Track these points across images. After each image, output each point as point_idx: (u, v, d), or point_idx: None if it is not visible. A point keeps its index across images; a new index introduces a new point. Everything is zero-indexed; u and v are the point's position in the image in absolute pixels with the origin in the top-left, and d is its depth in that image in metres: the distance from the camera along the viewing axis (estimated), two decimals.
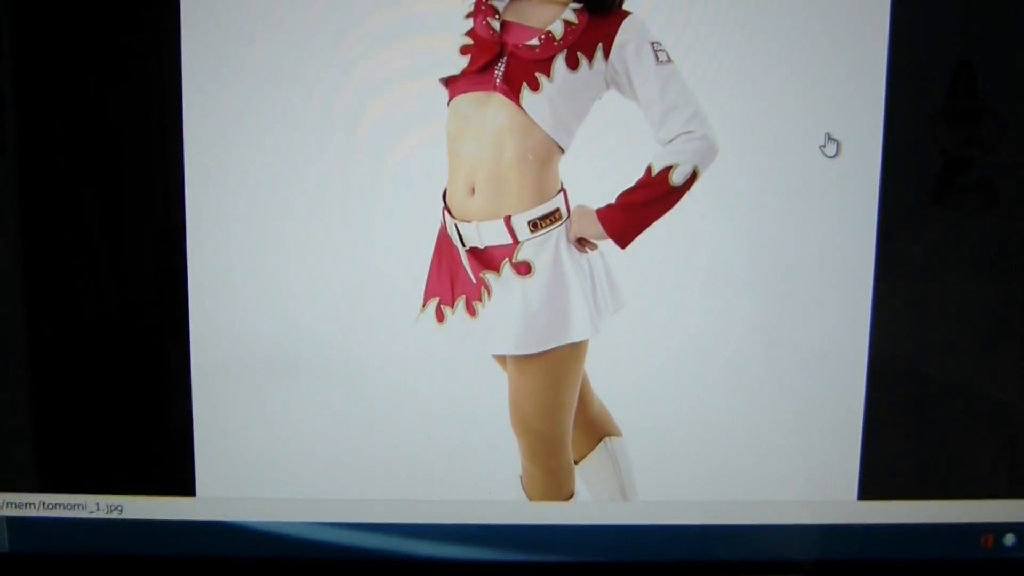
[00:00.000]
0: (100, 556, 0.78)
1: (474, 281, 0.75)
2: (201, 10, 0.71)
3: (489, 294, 0.75)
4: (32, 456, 0.77)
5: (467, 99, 0.73)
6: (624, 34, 0.72)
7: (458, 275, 0.75)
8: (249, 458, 0.76)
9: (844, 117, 0.73)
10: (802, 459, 0.77)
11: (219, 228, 0.73)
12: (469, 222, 0.74)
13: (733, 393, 0.76)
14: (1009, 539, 0.78)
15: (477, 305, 0.75)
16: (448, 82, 0.73)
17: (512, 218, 0.73)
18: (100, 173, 0.73)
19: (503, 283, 0.74)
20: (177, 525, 0.77)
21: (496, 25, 0.72)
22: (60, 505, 0.77)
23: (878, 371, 0.75)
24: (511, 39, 0.73)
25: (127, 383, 0.76)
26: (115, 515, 0.77)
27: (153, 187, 0.74)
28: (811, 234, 0.74)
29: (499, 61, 0.72)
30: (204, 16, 0.71)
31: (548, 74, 0.72)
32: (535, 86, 0.72)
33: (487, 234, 0.74)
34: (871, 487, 0.77)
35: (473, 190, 0.74)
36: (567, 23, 0.72)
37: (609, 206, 0.73)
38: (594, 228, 0.73)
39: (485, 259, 0.74)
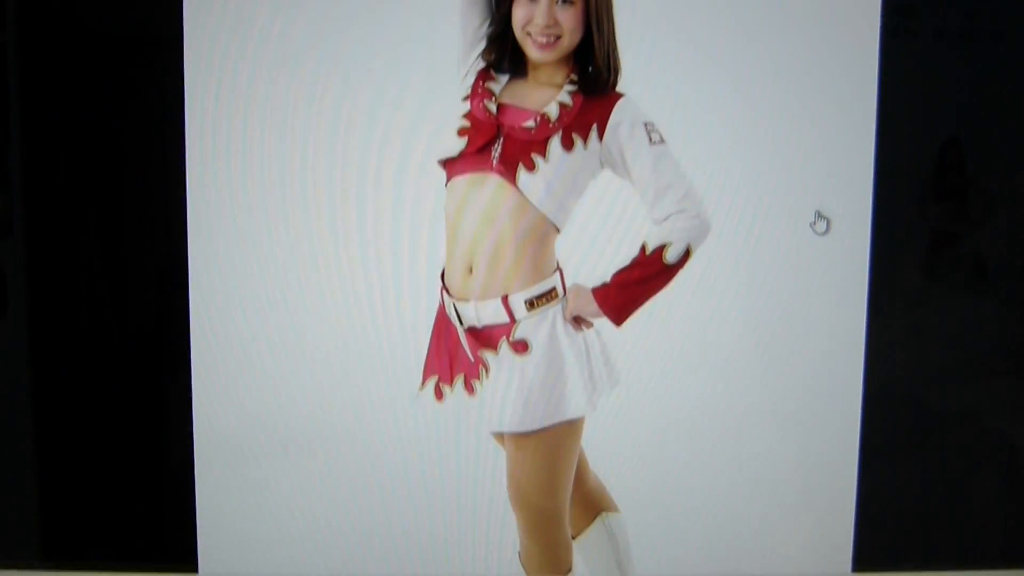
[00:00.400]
0: None
1: (472, 359, 0.76)
2: (204, 105, 0.73)
3: (487, 372, 0.76)
4: (36, 530, 0.77)
5: (465, 180, 0.74)
6: (618, 115, 0.74)
7: (456, 353, 0.76)
8: (251, 534, 0.77)
9: (833, 194, 0.74)
10: (797, 532, 0.77)
11: (222, 308, 0.74)
12: (467, 301, 0.75)
13: (728, 468, 0.77)
14: None
15: (475, 383, 0.76)
16: (446, 164, 0.75)
17: (509, 297, 0.75)
18: (107, 253, 0.75)
19: (501, 361, 0.75)
20: None
21: (493, 108, 0.74)
22: None
23: (871, 442, 0.76)
24: (507, 121, 0.74)
25: (131, 459, 0.77)
26: None
27: (159, 271, 0.75)
28: (803, 309, 0.75)
29: (496, 142, 0.74)
30: (206, 107, 0.73)
31: (544, 155, 0.74)
32: (531, 167, 0.74)
33: (485, 313, 0.75)
34: (865, 559, 0.77)
35: (471, 269, 0.75)
36: (562, 105, 0.74)
37: (604, 285, 0.74)
38: (590, 306, 0.75)
39: (483, 338, 0.76)
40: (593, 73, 0.75)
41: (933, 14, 0.73)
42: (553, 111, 0.74)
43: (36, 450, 0.76)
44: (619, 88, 0.74)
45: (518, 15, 0.74)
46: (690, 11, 0.74)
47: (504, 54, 0.75)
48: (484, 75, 0.76)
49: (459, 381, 0.76)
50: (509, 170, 0.74)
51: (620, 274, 0.74)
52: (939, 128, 0.74)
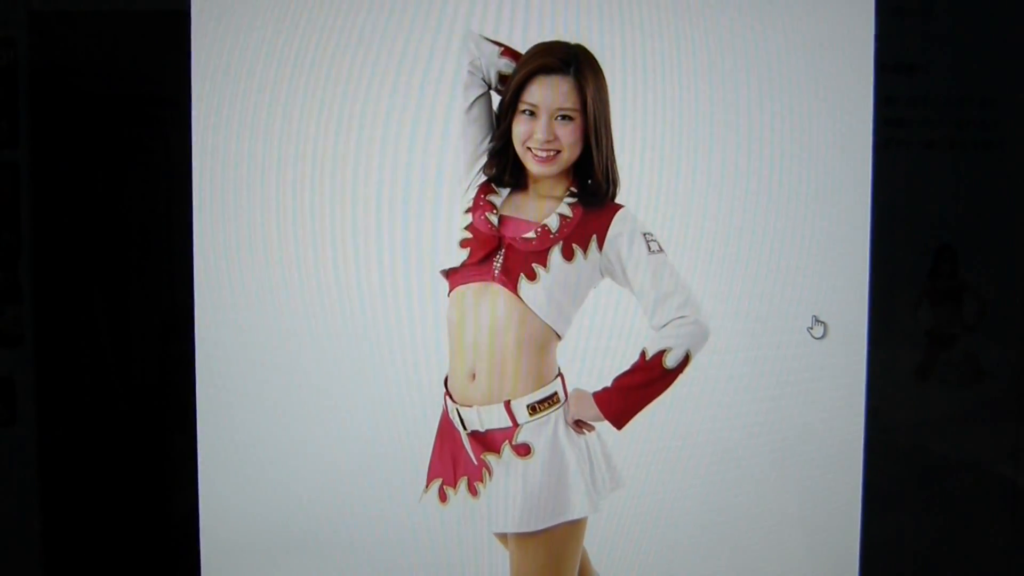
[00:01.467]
0: None
1: (475, 462, 0.77)
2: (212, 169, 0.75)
3: (490, 475, 0.77)
4: None
5: (467, 289, 0.76)
6: (617, 226, 0.76)
7: (460, 457, 0.78)
8: None
9: (830, 300, 0.75)
10: None
11: (228, 410, 0.76)
12: (470, 407, 0.77)
13: (730, 568, 0.78)
14: None
15: (479, 485, 0.77)
16: (448, 274, 0.77)
17: (512, 402, 0.76)
18: (108, 358, 0.76)
19: (504, 464, 0.77)
20: None
21: (495, 220, 0.76)
22: None
23: (871, 550, 0.77)
24: (508, 232, 0.76)
25: (139, 564, 0.77)
26: None
27: (165, 370, 0.76)
28: (801, 411, 0.76)
29: (497, 253, 0.76)
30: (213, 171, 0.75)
31: (545, 265, 0.76)
32: (532, 276, 0.75)
33: (487, 418, 0.77)
34: None
35: (474, 376, 0.77)
36: (562, 217, 0.76)
37: (605, 389, 0.75)
38: (591, 411, 0.76)
39: (486, 441, 0.77)
40: (592, 186, 0.77)
41: (924, 125, 0.75)
42: (554, 223, 0.76)
43: (45, 560, 0.77)
44: (617, 199, 0.76)
45: (518, 131, 0.76)
46: (686, 123, 0.76)
47: (505, 168, 0.78)
48: (485, 188, 0.78)
49: (463, 483, 0.78)
50: (511, 280, 0.76)
51: (621, 379, 0.75)
52: (932, 233, 0.76)
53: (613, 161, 0.77)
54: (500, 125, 0.77)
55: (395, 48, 0.77)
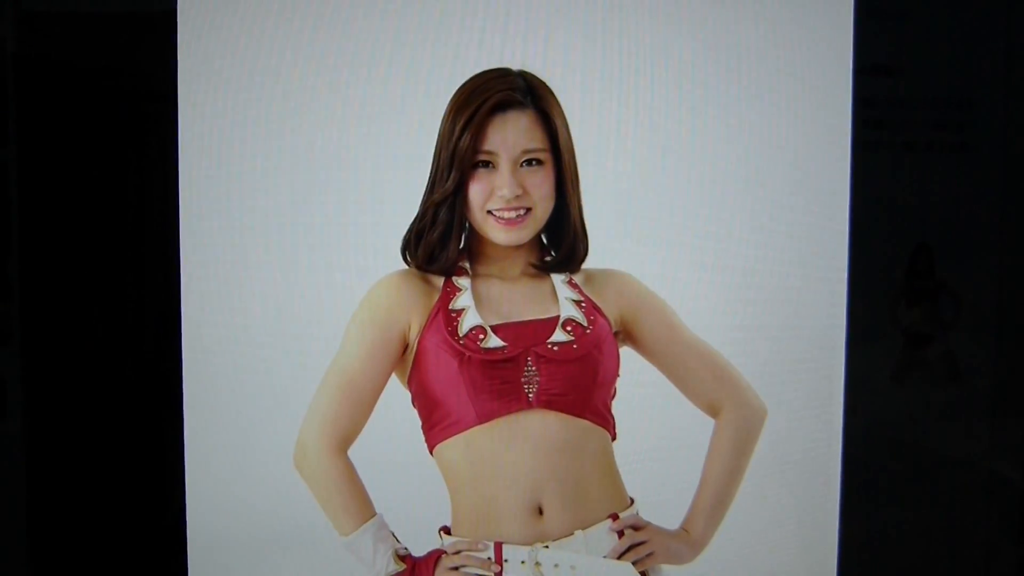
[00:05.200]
0: None
1: None
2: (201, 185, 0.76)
3: None
4: None
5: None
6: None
7: None
8: None
9: (808, 298, 0.77)
10: None
11: (215, 406, 0.77)
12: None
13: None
14: None
15: None
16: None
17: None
18: (96, 357, 0.77)
19: None
20: None
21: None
22: None
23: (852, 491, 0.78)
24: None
25: (127, 563, 0.78)
26: None
27: (152, 367, 0.77)
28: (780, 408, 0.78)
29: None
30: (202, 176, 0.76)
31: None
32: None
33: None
34: None
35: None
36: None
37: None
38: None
39: None
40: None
41: (902, 127, 0.76)
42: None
43: (31, 558, 0.78)
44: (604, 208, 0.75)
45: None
46: (665, 125, 0.76)
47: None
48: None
49: None
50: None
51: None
52: (909, 233, 0.77)
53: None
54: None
55: (384, 43, 0.76)
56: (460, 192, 0.69)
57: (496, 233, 0.70)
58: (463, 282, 0.72)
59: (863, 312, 0.76)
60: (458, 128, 0.68)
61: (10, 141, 0.74)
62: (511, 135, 0.68)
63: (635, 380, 0.75)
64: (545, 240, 0.74)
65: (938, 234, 0.77)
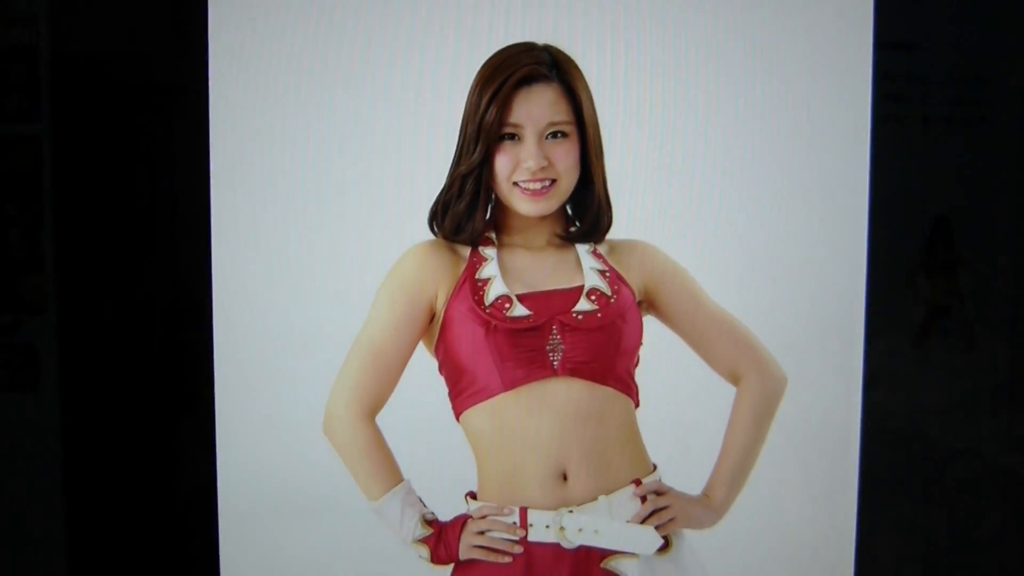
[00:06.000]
0: None
1: None
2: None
3: None
4: None
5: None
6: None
7: None
8: None
9: (827, 278, 0.78)
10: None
11: (246, 375, 0.78)
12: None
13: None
14: None
15: None
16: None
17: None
18: (129, 327, 0.78)
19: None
20: None
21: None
22: None
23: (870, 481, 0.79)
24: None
25: (159, 527, 0.80)
26: None
27: (183, 337, 0.78)
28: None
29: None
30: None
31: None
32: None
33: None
34: None
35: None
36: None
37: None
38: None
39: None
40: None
41: (921, 102, 0.77)
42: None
43: (67, 518, 0.79)
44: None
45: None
46: (685, 98, 0.77)
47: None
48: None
49: None
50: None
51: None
52: (928, 208, 0.78)
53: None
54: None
55: (410, 23, 0.76)
56: (486, 164, 0.70)
57: (522, 204, 0.71)
58: (489, 252, 0.73)
59: (883, 285, 0.77)
60: (484, 101, 0.69)
61: (43, 115, 0.76)
62: (536, 108, 0.69)
63: (658, 349, 0.76)
64: (570, 211, 0.75)
65: (958, 207, 0.77)
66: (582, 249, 0.75)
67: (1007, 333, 0.78)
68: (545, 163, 0.70)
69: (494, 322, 0.71)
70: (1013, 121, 0.77)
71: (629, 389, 0.75)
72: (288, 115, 0.76)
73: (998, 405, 0.80)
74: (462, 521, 0.75)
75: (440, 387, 0.77)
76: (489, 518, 0.74)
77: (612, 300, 0.73)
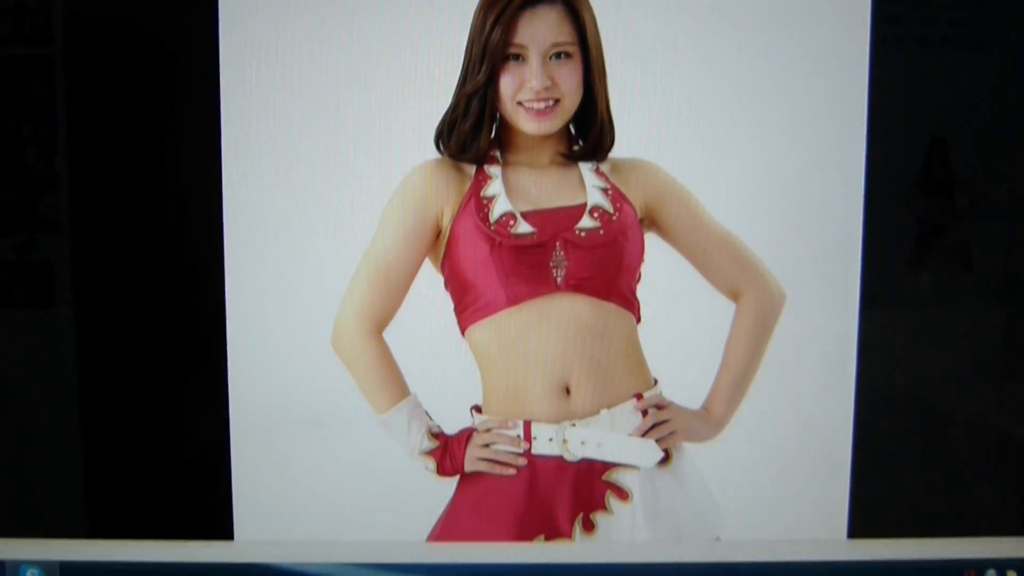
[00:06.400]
0: None
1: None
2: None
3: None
4: (83, 506, 0.82)
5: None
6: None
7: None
8: (284, 504, 0.82)
9: (825, 191, 0.79)
10: (795, 501, 0.83)
11: (256, 291, 0.79)
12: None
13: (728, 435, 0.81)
14: (990, 574, 0.83)
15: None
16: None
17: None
18: (142, 244, 0.79)
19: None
20: (216, 567, 0.82)
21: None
22: (108, 551, 0.82)
23: (865, 418, 0.81)
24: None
25: (172, 438, 0.81)
26: (158, 559, 0.82)
27: (195, 255, 0.79)
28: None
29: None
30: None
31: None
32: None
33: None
34: (859, 527, 0.83)
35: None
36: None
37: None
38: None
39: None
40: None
41: (920, 23, 0.78)
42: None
43: (83, 432, 0.81)
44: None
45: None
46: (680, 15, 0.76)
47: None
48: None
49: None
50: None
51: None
52: (926, 128, 0.79)
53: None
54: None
55: None
56: (491, 84, 0.71)
57: (526, 123, 0.72)
58: (494, 170, 0.74)
59: (881, 206, 0.78)
60: (489, 22, 0.70)
61: (56, 37, 0.77)
62: (541, 29, 0.70)
63: (660, 266, 0.78)
64: (573, 130, 0.76)
65: (955, 128, 0.78)
66: (585, 167, 0.76)
67: (1002, 250, 0.79)
68: (549, 83, 0.71)
69: (498, 239, 0.73)
70: (1010, 42, 0.77)
71: (631, 305, 0.76)
72: (304, 62, 0.76)
73: (992, 317, 0.81)
74: (467, 434, 0.77)
75: (446, 303, 0.78)
76: (494, 431, 0.76)
77: (614, 217, 0.74)
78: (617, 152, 0.77)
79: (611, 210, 0.75)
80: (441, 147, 0.75)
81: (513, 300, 0.75)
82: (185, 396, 0.81)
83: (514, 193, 0.75)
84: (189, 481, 0.82)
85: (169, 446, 0.82)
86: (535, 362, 0.76)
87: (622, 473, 0.78)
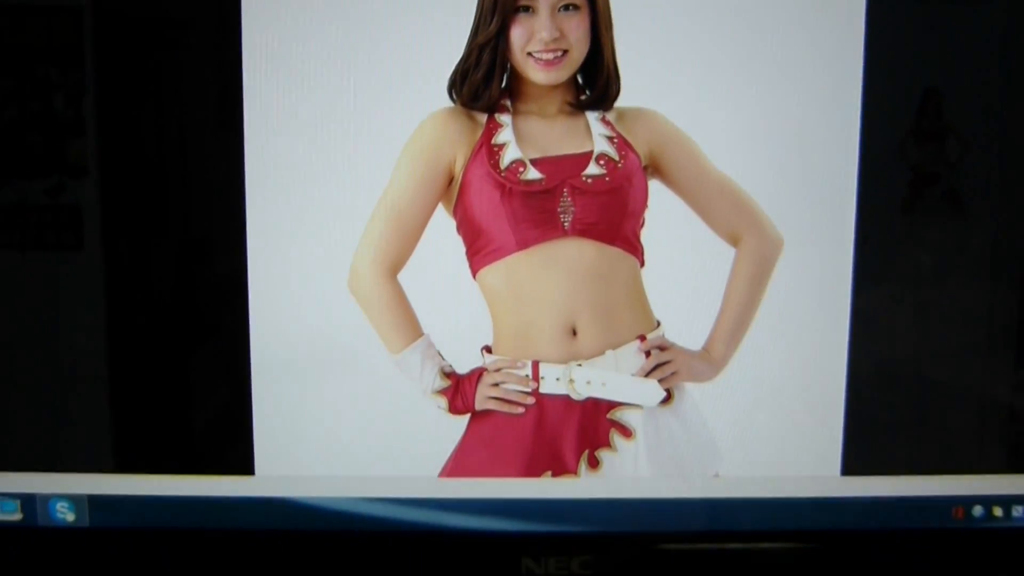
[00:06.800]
0: (170, 530, 0.86)
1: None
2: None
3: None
4: (111, 442, 0.85)
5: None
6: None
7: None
8: (302, 440, 0.85)
9: (821, 142, 0.82)
10: (791, 439, 0.86)
11: (277, 234, 0.82)
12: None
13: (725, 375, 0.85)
14: (977, 510, 0.87)
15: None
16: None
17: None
18: (167, 188, 0.82)
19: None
20: (238, 501, 0.86)
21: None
22: (134, 484, 0.86)
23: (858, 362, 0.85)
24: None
25: (195, 376, 0.85)
26: (182, 493, 0.86)
27: (217, 205, 0.82)
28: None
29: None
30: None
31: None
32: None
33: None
34: (853, 464, 0.86)
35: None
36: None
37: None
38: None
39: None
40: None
41: None
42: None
43: (110, 370, 0.84)
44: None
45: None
46: None
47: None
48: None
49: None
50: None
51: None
52: (920, 79, 0.82)
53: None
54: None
55: None
56: (502, 35, 0.74)
57: (535, 73, 0.75)
58: (504, 119, 0.77)
59: (875, 151, 0.81)
60: None
61: None
62: None
63: (663, 212, 0.81)
64: (580, 80, 0.79)
65: (947, 78, 0.81)
66: (592, 116, 0.79)
67: (991, 198, 0.82)
68: (558, 34, 0.74)
69: (509, 185, 0.76)
70: None
71: (635, 249, 0.79)
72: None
73: (981, 262, 0.84)
74: (478, 374, 0.80)
75: (458, 247, 0.81)
76: (503, 371, 0.80)
77: (619, 165, 0.77)
78: (622, 102, 0.80)
79: (616, 157, 0.78)
80: (454, 96, 0.78)
81: (522, 244, 0.78)
82: (208, 336, 0.84)
83: (524, 141, 0.78)
84: (212, 418, 0.86)
85: (193, 384, 0.85)
86: (543, 304, 0.79)
87: (626, 412, 0.82)
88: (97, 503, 0.86)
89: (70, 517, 0.86)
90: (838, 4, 0.79)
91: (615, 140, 0.78)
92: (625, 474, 0.83)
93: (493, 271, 0.79)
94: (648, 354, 0.81)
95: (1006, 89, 0.81)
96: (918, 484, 0.86)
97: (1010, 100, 0.82)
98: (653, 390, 0.81)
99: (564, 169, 0.77)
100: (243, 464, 0.85)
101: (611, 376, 0.80)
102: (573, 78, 0.79)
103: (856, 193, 0.82)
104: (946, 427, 0.87)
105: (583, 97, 0.79)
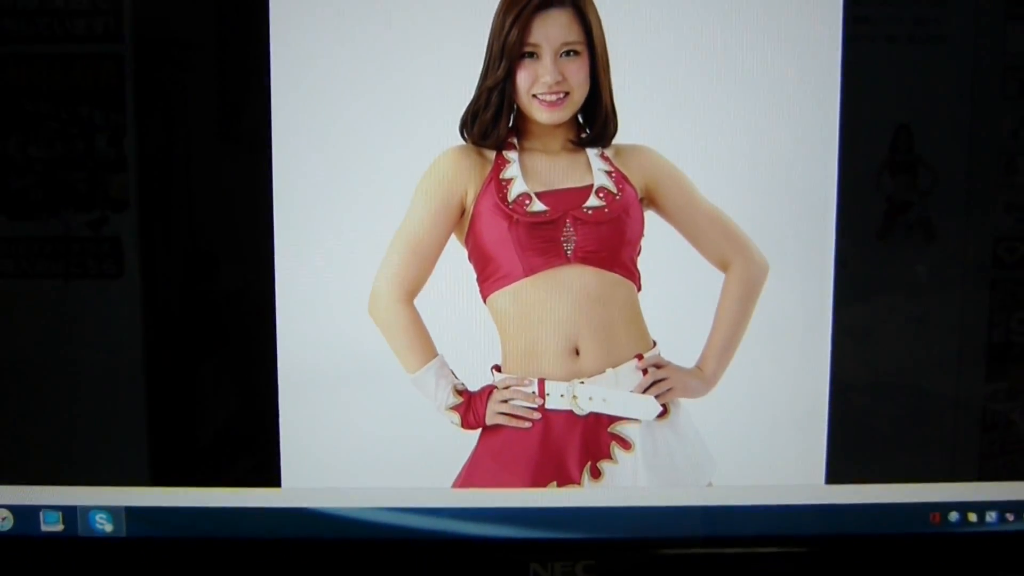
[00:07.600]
0: (202, 539, 0.91)
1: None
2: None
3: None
4: (147, 457, 0.90)
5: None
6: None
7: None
8: (326, 454, 0.89)
9: (800, 173, 0.88)
10: (779, 450, 0.91)
11: (306, 246, 0.86)
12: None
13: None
14: (953, 516, 0.91)
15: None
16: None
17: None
18: (200, 219, 0.88)
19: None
20: (265, 512, 0.90)
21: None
22: (169, 497, 0.90)
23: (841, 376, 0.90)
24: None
25: (226, 394, 0.89)
26: (213, 504, 0.90)
27: (244, 231, 0.87)
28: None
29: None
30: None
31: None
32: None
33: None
34: (836, 473, 0.90)
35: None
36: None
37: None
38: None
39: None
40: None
41: (887, 22, 0.87)
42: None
43: (147, 389, 0.88)
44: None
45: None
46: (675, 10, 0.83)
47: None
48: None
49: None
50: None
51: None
52: (893, 116, 0.88)
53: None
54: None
55: None
56: (509, 79, 0.79)
57: (540, 114, 0.81)
58: (512, 155, 0.83)
59: (852, 182, 0.86)
60: (507, 24, 0.79)
61: (125, 37, 0.85)
62: (552, 30, 0.79)
63: (658, 240, 0.87)
64: (581, 120, 0.85)
65: (917, 115, 0.86)
66: (591, 153, 0.84)
67: (960, 224, 0.88)
68: (560, 78, 0.79)
69: (516, 216, 0.82)
70: (966, 38, 0.86)
71: (632, 275, 0.85)
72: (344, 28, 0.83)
73: (952, 282, 0.89)
74: (488, 391, 0.86)
75: (469, 274, 0.87)
76: (512, 388, 0.85)
77: (617, 197, 0.83)
78: (620, 139, 0.86)
79: (614, 190, 0.83)
80: (465, 135, 0.84)
81: (529, 271, 0.83)
82: (238, 356, 0.89)
83: (529, 175, 0.83)
84: (241, 434, 0.90)
85: (224, 402, 0.89)
86: (548, 326, 0.85)
87: (625, 426, 0.87)
88: (134, 514, 0.90)
89: (108, 528, 0.90)
90: (817, 48, 0.85)
91: (613, 174, 0.84)
92: (625, 484, 0.88)
93: (502, 296, 0.85)
94: (645, 372, 0.86)
95: (972, 124, 0.87)
96: (897, 492, 0.90)
97: (976, 135, 0.87)
98: (650, 405, 0.86)
99: (566, 201, 0.83)
100: (270, 476, 0.89)
101: (611, 392, 0.86)
102: (574, 117, 0.84)
103: (835, 220, 0.87)
104: (923, 438, 0.91)
105: (583, 135, 0.84)
